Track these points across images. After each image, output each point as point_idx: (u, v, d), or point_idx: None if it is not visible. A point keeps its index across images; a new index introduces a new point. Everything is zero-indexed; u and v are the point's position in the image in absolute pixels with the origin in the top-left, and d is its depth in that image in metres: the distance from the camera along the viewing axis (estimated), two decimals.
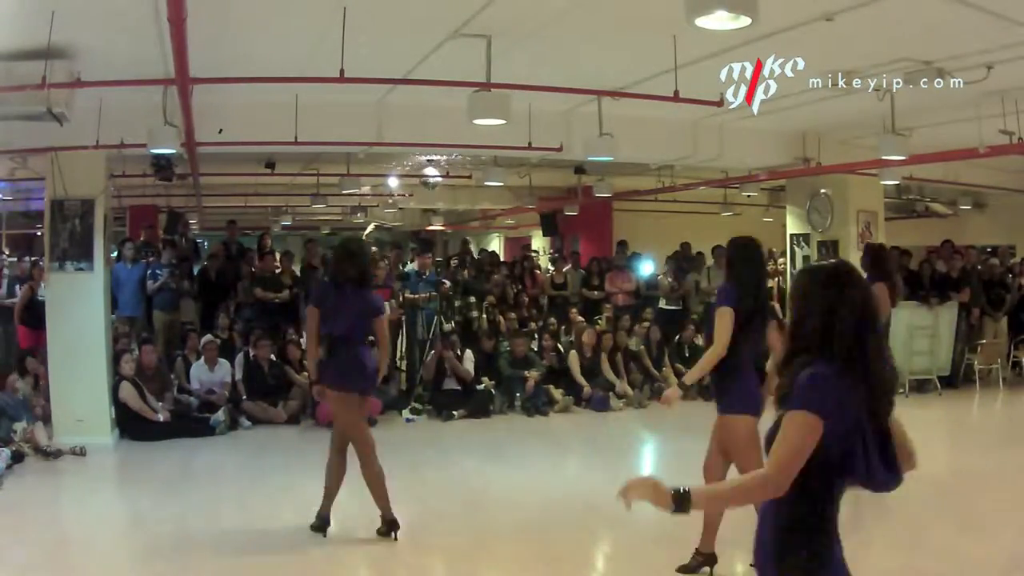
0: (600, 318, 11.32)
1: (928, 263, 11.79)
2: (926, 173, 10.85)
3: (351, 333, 5.33)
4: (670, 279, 12.23)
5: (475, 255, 14.79)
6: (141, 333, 9.94)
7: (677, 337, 11.25)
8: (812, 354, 2.28)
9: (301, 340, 10.16)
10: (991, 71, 6.49)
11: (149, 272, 10.47)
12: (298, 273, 11.31)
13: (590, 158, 8.53)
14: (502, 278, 12.01)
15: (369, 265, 5.56)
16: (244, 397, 9.14)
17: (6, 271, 10.58)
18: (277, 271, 10.89)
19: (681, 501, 2.31)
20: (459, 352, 9.74)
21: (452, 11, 5.51)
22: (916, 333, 10.73)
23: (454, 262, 12.08)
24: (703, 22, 4.25)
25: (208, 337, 9.56)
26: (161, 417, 8.36)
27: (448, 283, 10.77)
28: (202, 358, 9.23)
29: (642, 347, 10.81)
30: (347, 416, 5.43)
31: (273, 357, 9.45)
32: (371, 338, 5.65)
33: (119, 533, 5.84)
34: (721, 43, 5.56)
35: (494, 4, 5.25)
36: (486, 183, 12.27)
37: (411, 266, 11.22)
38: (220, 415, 8.59)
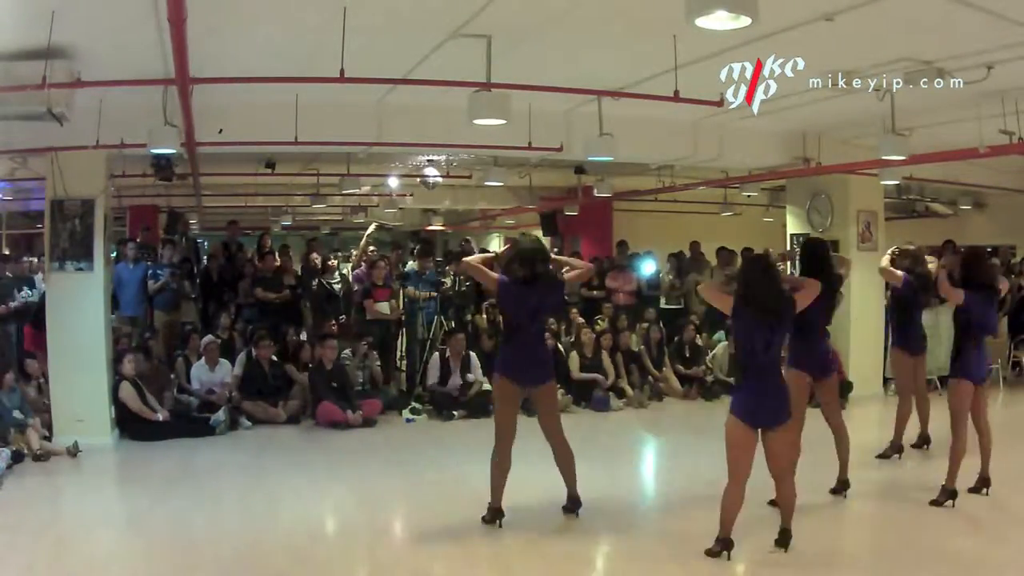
0: (601, 318, 11.30)
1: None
2: (926, 173, 10.85)
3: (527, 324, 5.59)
4: (671, 277, 12.26)
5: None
6: (143, 333, 9.94)
7: (676, 337, 11.26)
8: None
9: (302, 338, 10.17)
10: (991, 71, 6.48)
11: (150, 272, 10.47)
12: (299, 272, 11.32)
13: (590, 158, 8.53)
14: None
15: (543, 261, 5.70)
16: (241, 397, 9.12)
17: (8, 274, 10.56)
18: (279, 268, 10.87)
19: None
20: (467, 354, 9.76)
21: (452, 11, 5.50)
22: None
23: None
24: (703, 22, 4.25)
25: (209, 337, 9.56)
26: (160, 417, 8.36)
27: (447, 282, 10.77)
28: (203, 358, 9.23)
29: (642, 347, 10.81)
30: (498, 404, 5.81)
31: (274, 357, 9.45)
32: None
33: (119, 533, 5.84)
34: (721, 43, 5.55)
35: (494, 4, 5.24)
36: (486, 183, 12.27)
37: (411, 265, 11.21)
38: (220, 415, 8.59)
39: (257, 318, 10.37)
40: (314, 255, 11.23)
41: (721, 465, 4.93)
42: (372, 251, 11.46)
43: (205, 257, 12.43)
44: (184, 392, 9.13)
